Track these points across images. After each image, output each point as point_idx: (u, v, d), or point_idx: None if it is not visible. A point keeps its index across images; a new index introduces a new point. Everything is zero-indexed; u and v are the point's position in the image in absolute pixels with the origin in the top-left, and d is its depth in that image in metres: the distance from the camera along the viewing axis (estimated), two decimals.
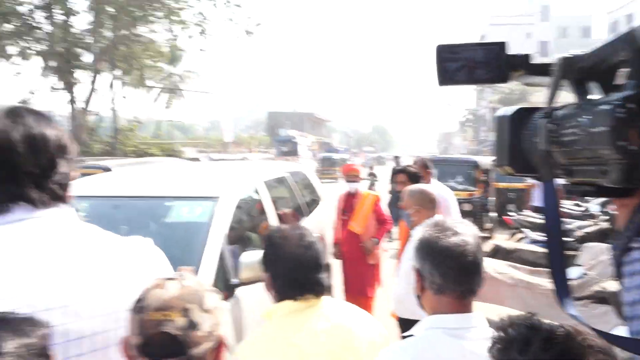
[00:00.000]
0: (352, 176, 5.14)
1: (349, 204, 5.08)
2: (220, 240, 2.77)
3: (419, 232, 1.47)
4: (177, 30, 20.68)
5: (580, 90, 0.71)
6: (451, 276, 1.37)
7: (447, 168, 11.10)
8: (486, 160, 11.82)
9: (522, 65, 0.78)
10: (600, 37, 50.81)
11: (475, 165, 10.56)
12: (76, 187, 3.29)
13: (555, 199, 0.71)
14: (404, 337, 1.50)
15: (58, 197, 1.18)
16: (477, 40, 65.21)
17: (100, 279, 1.14)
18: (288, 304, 1.62)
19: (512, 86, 44.78)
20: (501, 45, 0.79)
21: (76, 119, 19.86)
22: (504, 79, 0.78)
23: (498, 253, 5.06)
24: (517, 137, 0.79)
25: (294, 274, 1.63)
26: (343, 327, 1.61)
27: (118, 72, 21.84)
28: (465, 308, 1.40)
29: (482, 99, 56.64)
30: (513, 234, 7.77)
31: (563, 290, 0.70)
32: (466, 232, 1.42)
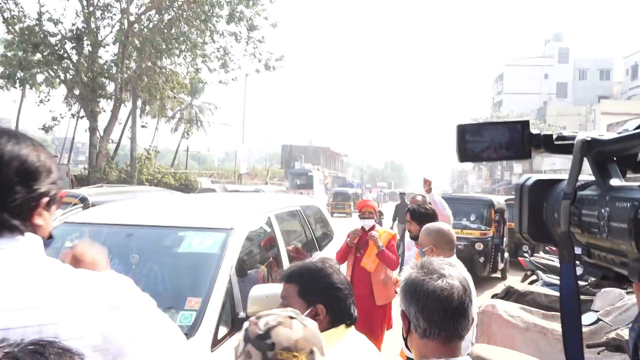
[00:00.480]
0: (367, 212, 4.98)
1: (362, 240, 4.87)
2: (230, 272, 2.77)
3: (406, 273, 1.46)
4: (199, 63, 21.28)
5: (602, 171, 0.72)
6: (436, 320, 1.35)
7: (460, 206, 11.06)
8: (501, 199, 11.73)
9: (545, 145, 0.79)
10: (619, 79, 50.86)
11: (489, 204, 10.48)
12: (92, 215, 3.36)
13: (574, 283, 0.69)
14: None
15: (11, 226, 1.05)
16: (493, 79, 65.18)
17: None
18: (339, 331, 1.66)
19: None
20: (525, 124, 0.80)
21: (95, 146, 20.26)
22: (527, 156, 0.80)
23: (511, 295, 4.96)
24: (537, 207, 0.79)
25: (343, 303, 1.70)
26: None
27: (139, 102, 22.38)
28: (451, 352, 1.38)
29: None
30: (526, 276, 7.62)
31: None
32: (453, 274, 1.40)
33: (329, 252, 5.16)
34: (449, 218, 4.62)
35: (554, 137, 0.78)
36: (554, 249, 9.39)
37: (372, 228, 4.89)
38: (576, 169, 0.71)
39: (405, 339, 1.45)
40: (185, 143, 34.90)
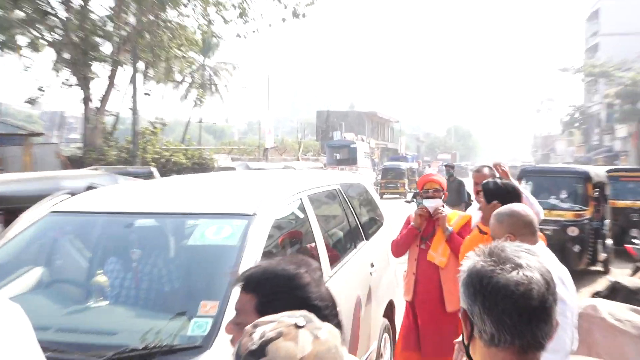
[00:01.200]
0: (432, 190, 4.58)
1: (428, 228, 4.58)
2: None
3: (469, 261, 1.38)
4: (211, 13, 21.32)
5: None
6: (508, 324, 1.28)
7: (547, 181, 10.75)
8: (600, 170, 11.32)
9: None
10: None
11: (585, 178, 10.12)
12: (83, 202, 3.39)
13: None
14: None
15: None
16: (586, 17, 62.91)
17: None
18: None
19: (634, 75, 42.97)
20: None
21: (90, 120, 20.74)
22: None
23: (617, 293, 4.78)
24: None
25: None
26: None
27: (141, 65, 22.69)
28: None
29: (595, 92, 54.71)
30: (637, 269, 7.35)
31: None
32: (531, 265, 1.32)
33: (378, 242, 5.09)
34: (540, 214, 4.31)
35: None
36: None
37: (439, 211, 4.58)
38: None
39: (467, 347, 1.39)
40: (198, 113, 35.36)
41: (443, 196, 4.63)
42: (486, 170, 4.67)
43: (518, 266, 1.31)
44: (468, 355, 1.41)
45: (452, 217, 4.59)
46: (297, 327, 1.07)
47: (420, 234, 4.57)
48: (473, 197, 6.03)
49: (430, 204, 4.55)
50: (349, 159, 34.57)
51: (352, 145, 37.20)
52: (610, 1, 55.47)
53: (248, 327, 1.09)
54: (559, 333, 2.62)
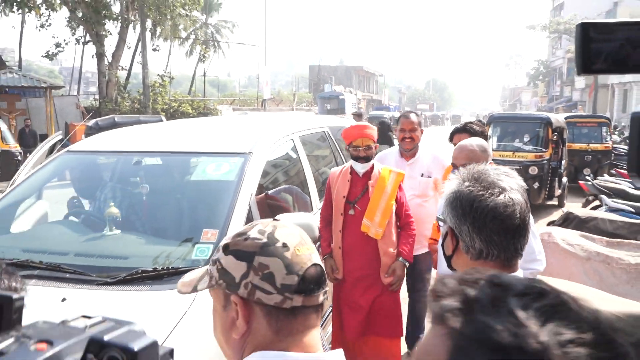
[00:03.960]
0: (363, 148, 3.29)
1: (356, 188, 3.34)
2: (249, 201, 2.72)
3: (455, 183, 1.36)
4: None
5: None
6: (496, 241, 1.30)
7: (512, 126, 10.70)
8: (559, 117, 11.27)
9: None
10: None
11: (546, 123, 10.07)
12: (95, 142, 3.34)
13: None
14: None
15: None
16: None
17: None
18: None
19: None
20: None
21: (104, 74, 20.32)
22: None
23: (570, 222, 4.82)
24: None
25: None
26: None
27: (149, 23, 22.06)
28: (510, 270, 1.34)
29: (558, 47, 53.97)
30: (588, 202, 7.42)
31: None
32: (513, 187, 1.33)
33: None
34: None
35: None
36: (622, 171, 9.08)
37: (371, 171, 3.36)
38: None
39: (449, 258, 1.40)
40: (203, 68, 34.70)
41: (373, 154, 3.38)
42: (413, 117, 3.90)
43: (503, 189, 1.31)
44: (449, 266, 1.42)
45: (386, 175, 3.36)
46: (276, 220, 1.11)
47: (343, 203, 3.30)
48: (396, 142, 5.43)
49: (364, 168, 3.33)
50: (338, 109, 34.23)
51: (340, 97, 36.80)
52: None
53: (228, 239, 1.08)
54: (531, 242, 2.65)
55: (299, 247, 1.05)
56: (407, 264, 3.34)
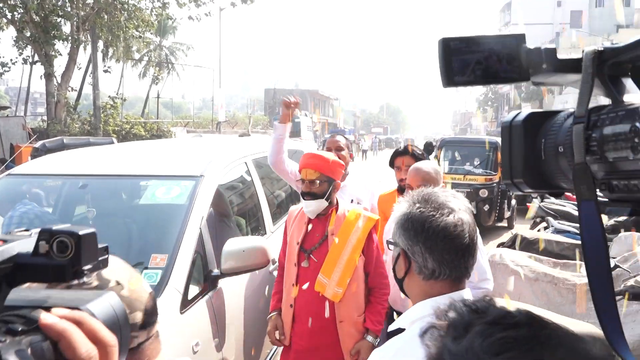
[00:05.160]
0: (307, 181, 2.74)
1: (314, 233, 2.77)
2: (200, 225, 2.66)
3: (405, 206, 1.39)
4: None
5: (617, 88, 0.67)
6: (447, 260, 1.34)
7: (462, 150, 10.99)
8: None
9: (547, 61, 0.71)
10: None
11: (495, 147, 10.41)
12: (40, 165, 3.21)
13: (599, 223, 0.64)
14: (390, 333, 1.42)
15: None
16: (499, 8, 64.27)
17: None
18: None
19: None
20: (520, 38, 0.73)
21: (53, 95, 19.74)
22: (525, 77, 0.72)
23: (518, 243, 4.95)
24: (532, 146, 0.73)
25: None
26: None
27: (100, 44, 21.66)
28: (458, 288, 1.38)
29: None
30: (535, 223, 7.66)
31: (615, 331, 0.61)
32: (461, 207, 1.38)
33: None
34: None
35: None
36: (568, 194, 9.45)
37: (331, 213, 2.77)
38: (588, 87, 0.66)
39: (400, 281, 1.42)
40: (156, 90, 34.22)
41: (332, 188, 2.75)
42: (339, 137, 3.82)
43: (452, 210, 1.35)
44: (402, 290, 1.44)
45: (353, 219, 2.73)
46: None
47: (299, 244, 2.75)
48: None
49: (309, 207, 2.72)
50: (294, 132, 34.35)
51: (296, 120, 36.89)
52: None
53: None
54: (480, 263, 2.67)
55: (133, 279, 0.98)
56: (377, 342, 2.63)
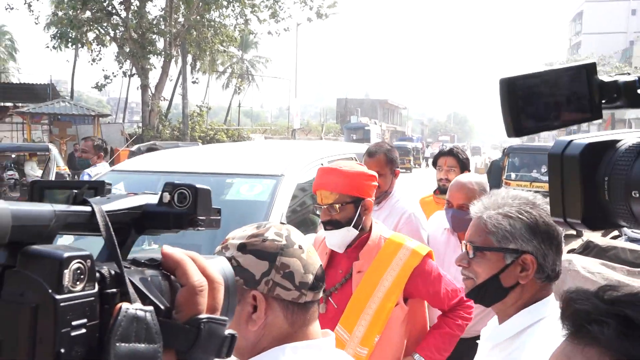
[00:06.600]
0: (331, 208, 1.91)
1: (337, 269, 1.99)
2: (280, 220, 2.71)
3: (513, 210, 1.27)
4: (248, 14, 21.19)
5: None
6: (560, 260, 1.29)
7: (529, 157, 10.56)
8: None
9: (626, 95, 0.58)
10: None
11: None
12: (137, 163, 3.39)
13: None
14: None
15: None
16: (571, 18, 61.24)
17: None
18: None
19: (610, 70, 41.74)
20: (591, 69, 0.59)
21: (148, 104, 20.86)
22: (597, 116, 0.59)
23: (590, 250, 4.66)
24: (591, 184, 0.58)
25: None
26: None
27: (189, 58, 22.68)
28: (549, 292, 1.33)
29: None
30: (606, 231, 7.20)
31: None
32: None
33: None
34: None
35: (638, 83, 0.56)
36: None
37: (362, 243, 1.96)
38: None
39: (506, 290, 1.26)
40: (238, 99, 35.33)
41: (362, 210, 1.92)
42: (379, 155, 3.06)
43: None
44: (495, 301, 1.30)
45: (392, 251, 1.93)
46: (283, 224, 1.17)
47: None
48: None
49: (332, 239, 1.94)
50: (364, 139, 34.37)
51: (366, 127, 36.99)
52: (592, 3, 53.64)
53: (245, 236, 1.10)
54: None
55: (310, 249, 1.13)
56: None
